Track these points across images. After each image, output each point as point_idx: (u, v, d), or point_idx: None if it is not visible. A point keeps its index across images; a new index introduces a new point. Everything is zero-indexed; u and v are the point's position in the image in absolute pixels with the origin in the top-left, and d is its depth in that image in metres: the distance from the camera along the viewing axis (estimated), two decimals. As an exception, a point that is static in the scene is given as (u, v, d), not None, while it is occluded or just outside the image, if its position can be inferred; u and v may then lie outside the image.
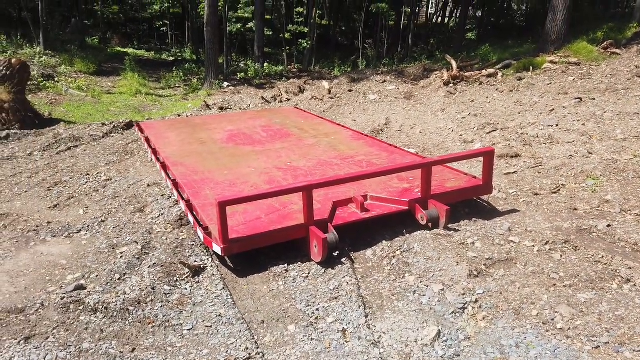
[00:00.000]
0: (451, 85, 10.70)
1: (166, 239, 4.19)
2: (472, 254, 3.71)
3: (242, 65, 20.41)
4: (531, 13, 18.06)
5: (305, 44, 23.01)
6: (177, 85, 16.19)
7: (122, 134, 8.04)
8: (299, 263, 3.81)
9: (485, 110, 8.52)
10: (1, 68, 8.48)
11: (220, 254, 3.60)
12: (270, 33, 24.42)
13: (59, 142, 7.28)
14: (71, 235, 4.42)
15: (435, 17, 32.88)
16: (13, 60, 8.68)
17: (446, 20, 31.12)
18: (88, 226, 4.55)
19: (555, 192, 4.95)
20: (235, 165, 5.52)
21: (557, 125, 7.12)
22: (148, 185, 5.58)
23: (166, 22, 33.95)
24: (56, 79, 13.95)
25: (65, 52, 18.21)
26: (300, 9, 24.86)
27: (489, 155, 4.45)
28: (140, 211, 4.88)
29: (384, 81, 12.77)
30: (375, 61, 19.11)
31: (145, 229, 4.38)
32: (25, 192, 5.50)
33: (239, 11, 22.82)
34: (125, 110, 11.39)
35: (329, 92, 11.52)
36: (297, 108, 9.35)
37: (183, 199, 4.62)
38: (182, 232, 4.32)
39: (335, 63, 22.18)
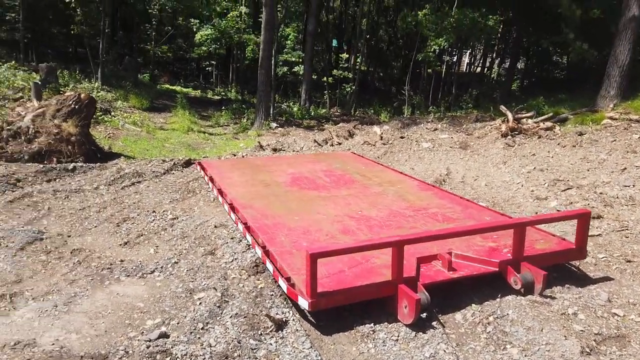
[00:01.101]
0: (509, 137, 10.49)
1: (243, 286, 4.05)
2: (577, 327, 3.41)
3: (285, 106, 20.77)
4: (580, 66, 17.82)
5: (349, 89, 23.36)
6: (226, 124, 16.52)
7: (182, 172, 8.09)
8: (386, 323, 3.58)
9: (550, 165, 8.25)
10: (70, 102, 8.78)
11: (307, 308, 3.43)
12: (315, 77, 24.93)
13: (123, 177, 7.37)
14: (145, 275, 4.33)
15: (473, 66, 33.05)
16: (82, 95, 8.99)
17: (485, 70, 31.21)
18: (161, 267, 4.46)
19: (650, 260, 4.61)
20: (304, 211, 5.41)
21: (634, 186, 6.78)
22: (215, 227, 5.51)
23: (212, 62, 35.26)
24: (112, 113, 14.43)
25: (120, 87, 18.97)
26: (344, 55, 25.44)
27: (584, 217, 4.20)
28: (211, 254, 4.78)
29: (436, 129, 12.66)
30: (421, 108, 19.08)
31: (220, 274, 4.25)
32: (95, 227, 5.50)
33: (285, 55, 23.50)
34: (179, 147, 11.59)
35: (381, 138, 11.47)
36: (354, 153, 9.29)
37: (258, 244, 4.50)
38: (258, 279, 4.18)
39: (375, 108, 22.36)
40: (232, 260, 4.55)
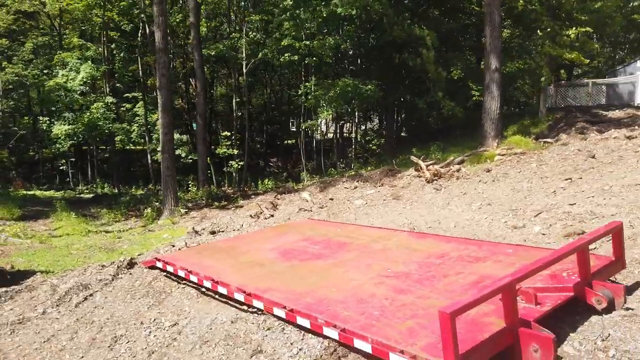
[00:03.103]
0: (434, 182, 11.16)
1: (339, 377, 3.43)
2: (686, 327, 3.52)
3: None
4: (446, 117, 20.04)
5: (236, 165, 23.01)
6: (123, 219, 14.90)
7: (131, 274, 6.90)
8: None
9: (491, 199, 8.89)
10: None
11: (452, 380, 3.00)
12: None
13: (68, 294, 6.01)
14: (203, 398, 3.44)
15: (327, 133, 34.66)
16: (-20, 206, 7.34)
17: (339, 134, 33.15)
18: (218, 382, 3.59)
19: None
20: (331, 281, 4.91)
21: (576, 204, 7.57)
22: (232, 322, 4.71)
23: (72, 159, 32.33)
24: (-17, 228, 12.07)
25: (-24, 199, 16.13)
26: (226, 133, 25.28)
27: (617, 230, 4.48)
28: (260, 352, 4.02)
29: (355, 187, 12.96)
30: (328, 172, 19.50)
31: (300, 371, 3.57)
32: (82, 357, 4.31)
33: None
34: (91, 251, 10.00)
35: (313, 203, 11.34)
36: (312, 219, 8.95)
37: (324, 325, 3.90)
38: (348, 365, 3.59)
39: (264, 182, 22.26)
40: (297, 353, 3.87)
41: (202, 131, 17.91)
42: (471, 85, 18.10)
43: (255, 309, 4.86)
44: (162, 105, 12.83)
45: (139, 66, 25.36)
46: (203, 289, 5.85)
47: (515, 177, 10.51)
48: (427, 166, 12.62)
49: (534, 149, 13.36)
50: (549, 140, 14.10)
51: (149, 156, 26.06)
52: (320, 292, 4.61)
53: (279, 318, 4.44)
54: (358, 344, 3.59)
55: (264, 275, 5.40)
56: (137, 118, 26.34)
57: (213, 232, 9.56)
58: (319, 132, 31.27)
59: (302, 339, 4.06)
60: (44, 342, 4.67)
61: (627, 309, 3.93)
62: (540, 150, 13.08)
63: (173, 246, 8.83)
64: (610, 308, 3.94)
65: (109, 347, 4.45)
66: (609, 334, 3.63)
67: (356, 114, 32.19)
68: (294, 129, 38.87)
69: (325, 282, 4.89)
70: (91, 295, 6.04)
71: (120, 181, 28.12)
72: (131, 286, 6.36)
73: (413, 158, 12.93)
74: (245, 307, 5.05)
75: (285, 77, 36.11)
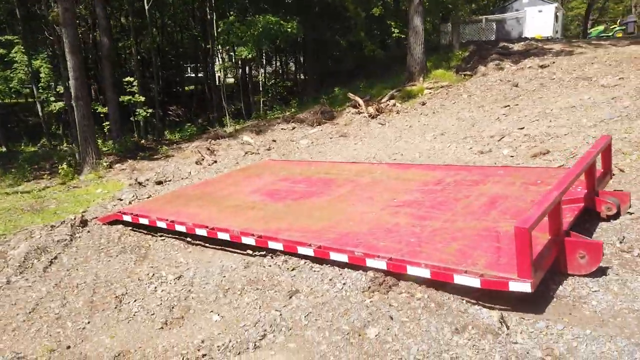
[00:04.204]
0: (377, 117, 11.24)
1: (399, 305, 3.36)
2: (690, 222, 3.93)
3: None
4: (367, 57, 19.94)
5: (144, 113, 21.31)
6: (32, 178, 13.21)
7: (89, 232, 6.15)
8: (571, 280, 3.48)
9: (442, 129, 9.17)
10: None
11: (528, 290, 3.06)
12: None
13: (28, 259, 5.21)
14: (258, 345, 3.20)
15: (226, 77, 33.02)
16: None
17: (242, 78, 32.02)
18: (272, 328, 3.35)
19: None
20: (344, 216, 4.74)
21: (525, 127, 8.07)
22: (245, 267, 4.43)
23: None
24: None
25: None
26: (129, 79, 23.09)
27: (608, 144, 4.80)
28: (297, 292, 3.82)
29: (294, 128, 12.68)
30: (252, 115, 18.77)
31: (353, 305, 3.44)
32: (88, 323, 3.78)
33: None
34: (14, 214, 8.72)
35: (257, 146, 10.90)
36: (274, 160, 8.58)
37: (370, 257, 3.76)
38: (401, 293, 3.52)
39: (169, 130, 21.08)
40: (342, 288, 3.73)
41: (111, 76, 16.11)
42: (391, 23, 18.15)
43: (265, 252, 4.61)
44: (69, 44, 11.17)
45: (15, 1, 21.82)
46: (188, 239, 5.41)
47: (453, 108, 10.92)
48: (365, 103, 12.64)
49: (458, 82, 13.94)
50: (468, 72, 14.75)
51: (39, 107, 23.09)
52: (339, 227, 4.45)
53: (305, 257, 4.23)
54: (412, 270, 3.53)
55: (262, 217, 5.08)
56: (16, 65, 22.97)
57: (160, 182, 8.81)
58: (228, 75, 29.81)
59: (341, 274, 3.91)
60: (30, 312, 4.00)
61: (629, 213, 4.30)
62: (462, 83, 13.68)
63: (120, 200, 8.02)
64: (617, 215, 4.27)
65: (115, 308, 3.94)
66: (624, 237, 3.95)
67: (263, 55, 31.12)
68: (192, 75, 36.78)
69: (338, 217, 4.72)
70: (55, 258, 5.29)
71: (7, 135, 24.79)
72: (98, 244, 5.68)
73: (350, 95, 12.86)
74: (249, 252, 4.76)
75: (178, 17, 33.62)
